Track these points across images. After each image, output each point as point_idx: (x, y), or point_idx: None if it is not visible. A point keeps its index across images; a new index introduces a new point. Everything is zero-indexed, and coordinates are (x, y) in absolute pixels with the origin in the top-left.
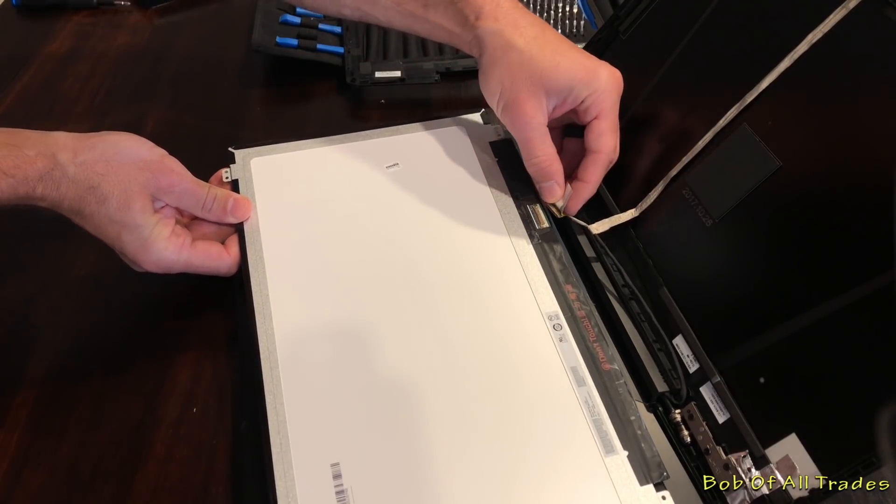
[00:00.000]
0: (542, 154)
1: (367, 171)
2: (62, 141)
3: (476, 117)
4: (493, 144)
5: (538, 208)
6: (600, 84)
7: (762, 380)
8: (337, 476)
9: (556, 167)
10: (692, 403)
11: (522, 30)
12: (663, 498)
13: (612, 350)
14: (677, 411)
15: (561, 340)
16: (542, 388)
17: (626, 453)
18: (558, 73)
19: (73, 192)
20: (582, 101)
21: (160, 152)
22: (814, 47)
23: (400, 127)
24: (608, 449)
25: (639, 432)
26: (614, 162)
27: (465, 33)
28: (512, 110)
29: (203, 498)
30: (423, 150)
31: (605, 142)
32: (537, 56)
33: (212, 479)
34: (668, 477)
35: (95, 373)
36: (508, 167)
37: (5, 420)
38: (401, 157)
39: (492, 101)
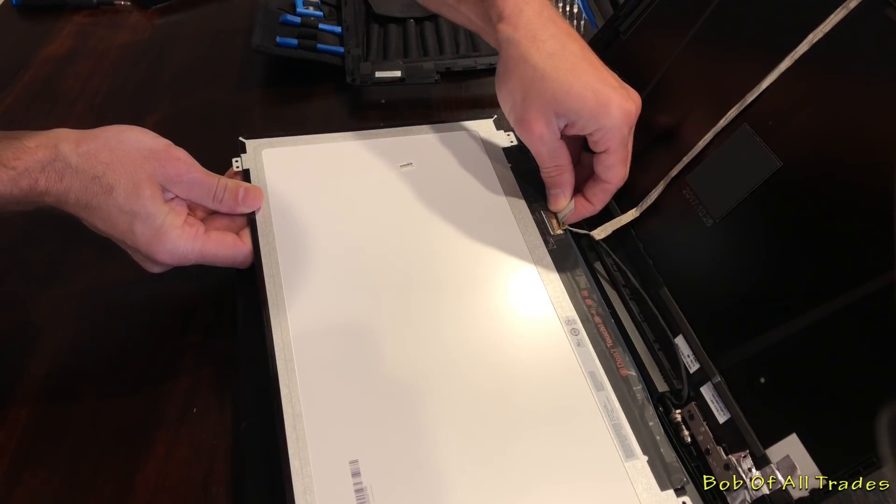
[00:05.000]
0: (550, 166)
1: (381, 168)
2: (64, 133)
3: (489, 123)
4: (507, 150)
5: (552, 215)
6: (608, 121)
7: (762, 380)
8: (356, 474)
9: (564, 178)
10: (692, 403)
11: (541, 43)
12: (684, 503)
13: (629, 356)
14: (678, 411)
15: (579, 345)
16: (561, 391)
17: (645, 458)
18: (569, 98)
19: (78, 183)
20: (591, 134)
21: (165, 142)
22: (814, 47)
23: (412, 127)
24: (628, 454)
25: (657, 437)
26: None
27: (489, 30)
28: (522, 126)
29: (203, 498)
30: (437, 151)
31: (614, 173)
32: (550, 76)
33: (212, 479)
34: (688, 482)
35: (95, 373)
36: (522, 173)
37: (5, 420)
38: (414, 158)
39: (504, 110)
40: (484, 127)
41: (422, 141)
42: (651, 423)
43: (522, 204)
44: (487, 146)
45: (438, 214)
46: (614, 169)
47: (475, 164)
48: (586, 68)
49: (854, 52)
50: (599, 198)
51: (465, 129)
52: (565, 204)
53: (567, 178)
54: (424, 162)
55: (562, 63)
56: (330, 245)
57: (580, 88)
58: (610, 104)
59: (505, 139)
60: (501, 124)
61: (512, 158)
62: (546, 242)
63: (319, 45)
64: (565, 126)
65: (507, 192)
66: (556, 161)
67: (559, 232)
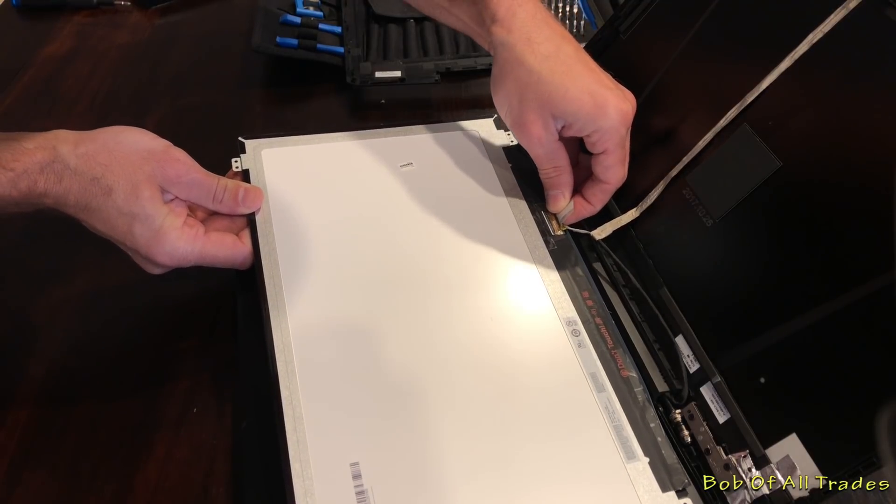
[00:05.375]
0: (549, 167)
1: (381, 168)
2: (62, 135)
3: (489, 123)
4: (507, 150)
5: (552, 216)
6: (606, 122)
7: (762, 380)
8: (357, 476)
9: (563, 179)
10: (692, 403)
11: (536, 46)
12: None
13: (630, 357)
14: (678, 411)
15: (580, 346)
16: (563, 392)
17: (647, 460)
18: (566, 101)
19: (77, 185)
20: (588, 136)
21: (164, 143)
22: (814, 47)
23: (412, 127)
24: (629, 455)
25: (659, 439)
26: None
27: (483, 33)
28: (519, 129)
29: (203, 498)
30: (437, 151)
31: (613, 174)
32: (546, 79)
33: (212, 479)
34: (689, 484)
35: (95, 373)
36: (522, 173)
37: (5, 420)
38: (414, 158)
39: (500, 113)
40: (484, 127)
41: (421, 141)
42: (652, 425)
43: (523, 204)
44: (487, 146)
45: (438, 215)
46: (613, 169)
47: (475, 163)
48: (582, 70)
49: (854, 52)
50: (599, 198)
51: (465, 129)
52: (564, 205)
53: (566, 179)
54: (424, 162)
55: (557, 66)
56: (330, 246)
57: (576, 91)
58: (607, 105)
59: (505, 139)
60: (501, 124)
61: (512, 158)
62: (546, 243)
63: (319, 45)
64: (563, 127)
65: (508, 192)
66: (554, 163)
67: (559, 233)
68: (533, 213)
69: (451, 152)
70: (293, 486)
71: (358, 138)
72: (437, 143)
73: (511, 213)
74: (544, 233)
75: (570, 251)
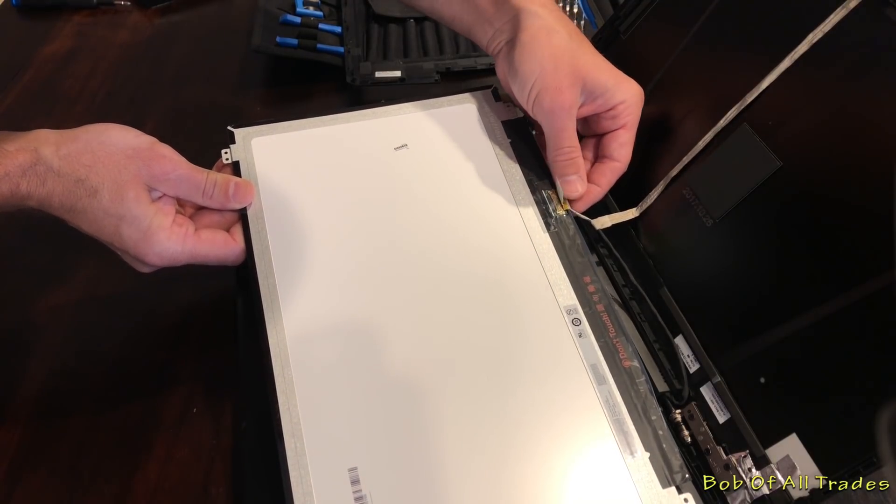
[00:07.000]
0: (567, 146)
1: (375, 153)
2: (44, 136)
3: (487, 94)
4: (506, 124)
5: (554, 194)
6: (631, 96)
7: (762, 380)
8: (355, 481)
9: (580, 160)
10: (692, 403)
11: (565, 22)
12: (685, 500)
13: (632, 346)
14: (678, 411)
15: (580, 336)
16: (562, 386)
17: (647, 455)
18: (599, 72)
19: (61, 187)
20: (611, 108)
21: (149, 139)
22: (814, 47)
23: (406, 105)
24: (630, 451)
25: (660, 433)
26: None
27: (499, 14)
28: (551, 96)
29: (203, 498)
30: (433, 129)
31: (626, 152)
32: (578, 50)
33: (212, 479)
34: (689, 479)
35: (95, 373)
36: (522, 149)
37: (5, 420)
38: (409, 138)
39: (524, 84)
40: (482, 98)
41: (417, 119)
42: (654, 418)
43: (522, 183)
44: (485, 120)
45: (435, 201)
46: (626, 147)
47: (472, 141)
48: (600, 55)
49: (854, 52)
50: (607, 178)
51: (462, 103)
52: (583, 190)
53: (581, 161)
54: (420, 142)
55: (584, 43)
56: (324, 240)
57: (605, 65)
58: (630, 82)
59: (504, 111)
60: (500, 95)
61: (511, 133)
62: (547, 225)
63: (319, 45)
64: (582, 105)
65: (506, 171)
66: (573, 141)
67: (561, 213)
68: (533, 192)
69: (448, 130)
70: (292, 494)
71: (351, 120)
72: (433, 121)
73: (510, 193)
74: (544, 214)
75: (572, 233)
